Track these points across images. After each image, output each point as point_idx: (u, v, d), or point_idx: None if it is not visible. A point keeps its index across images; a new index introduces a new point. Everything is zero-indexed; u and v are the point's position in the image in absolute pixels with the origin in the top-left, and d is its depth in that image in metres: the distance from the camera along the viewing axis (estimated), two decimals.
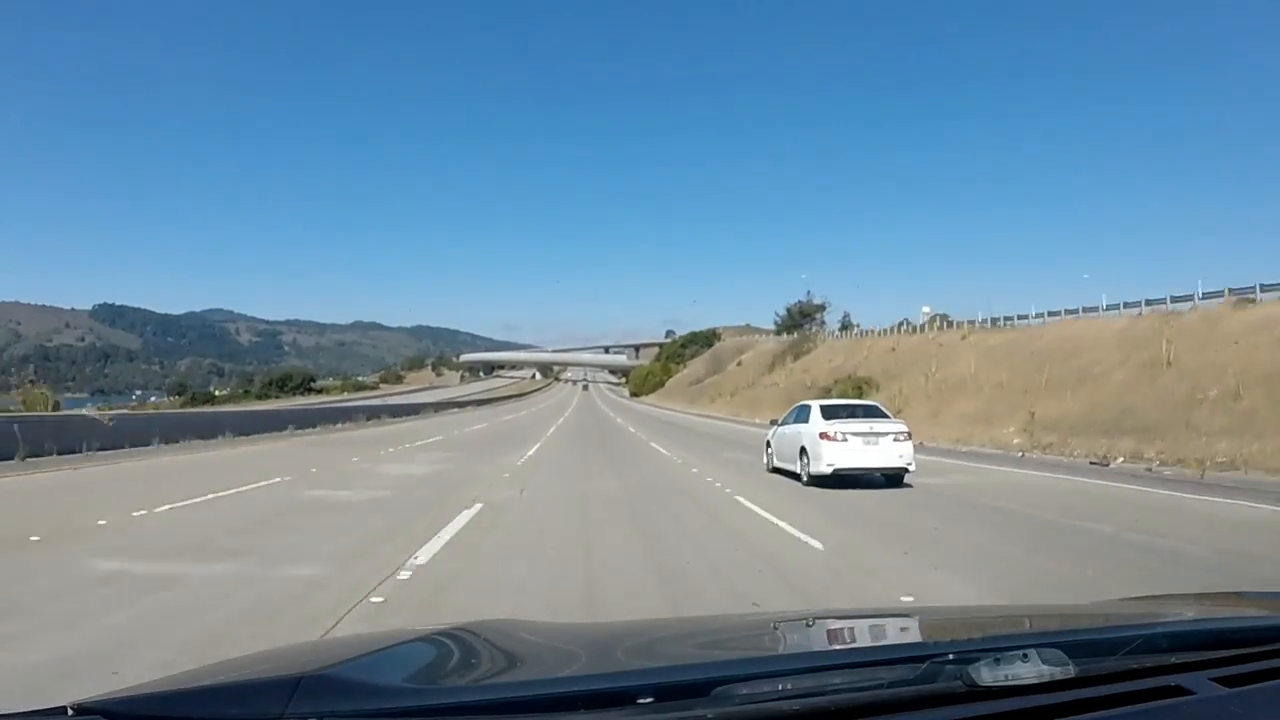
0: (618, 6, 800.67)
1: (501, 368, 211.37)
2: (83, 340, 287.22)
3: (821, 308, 73.50)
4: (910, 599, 5.87)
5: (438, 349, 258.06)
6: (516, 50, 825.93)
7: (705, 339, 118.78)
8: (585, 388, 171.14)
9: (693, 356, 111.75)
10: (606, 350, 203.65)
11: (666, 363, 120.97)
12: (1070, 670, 1.25)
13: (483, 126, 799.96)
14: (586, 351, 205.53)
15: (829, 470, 12.97)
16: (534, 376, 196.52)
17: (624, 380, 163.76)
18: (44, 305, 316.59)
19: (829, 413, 14.03)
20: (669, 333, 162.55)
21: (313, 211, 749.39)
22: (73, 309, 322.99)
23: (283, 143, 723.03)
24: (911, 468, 13.39)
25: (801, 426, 14.21)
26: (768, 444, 16.27)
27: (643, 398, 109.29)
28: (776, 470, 15.38)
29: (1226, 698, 1.28)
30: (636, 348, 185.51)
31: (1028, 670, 1.24)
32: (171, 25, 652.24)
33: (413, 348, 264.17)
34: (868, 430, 13.32)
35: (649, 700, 1.13)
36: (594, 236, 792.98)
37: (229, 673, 1.31)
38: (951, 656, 1.26)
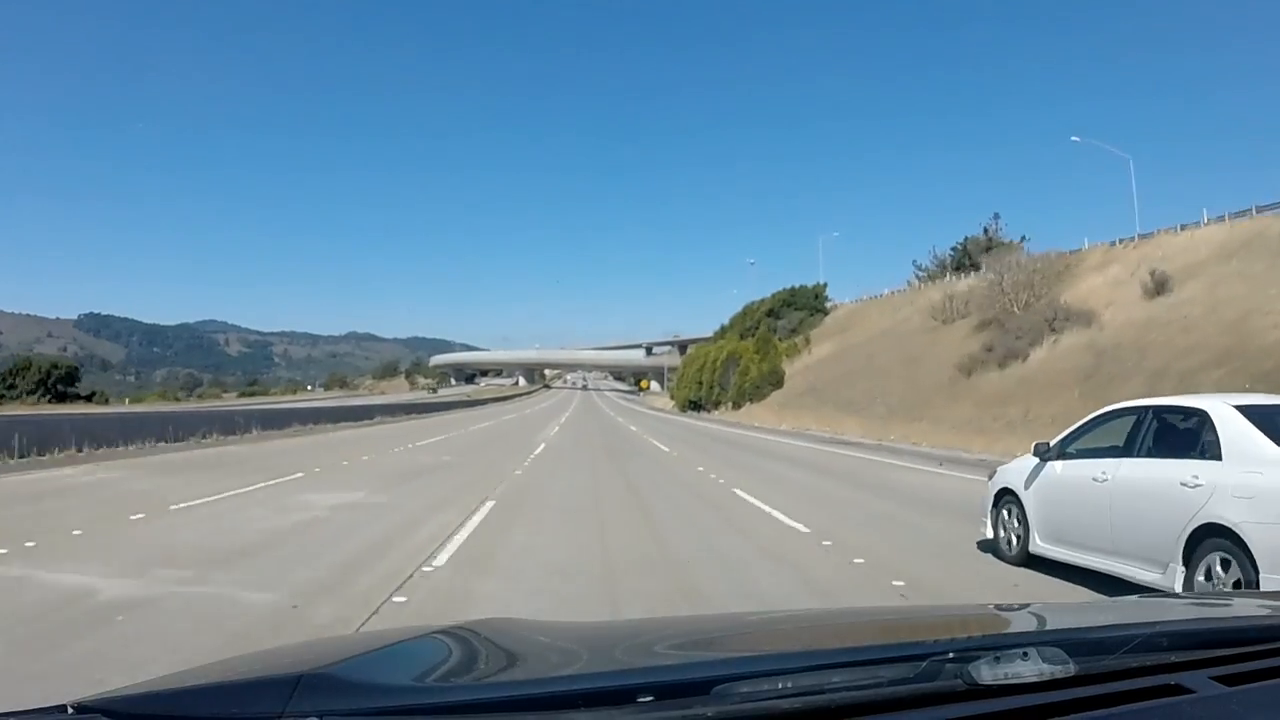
0: (610, 6, 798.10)
1: (485, 373, 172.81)
2: (64, 350, 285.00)
3: (1020, 243, 47.80)
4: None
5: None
6: (516, 57, 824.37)
7: (811, 299, 64.04)
8: (584, 387, 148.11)
9: (800, 329, 59.33)
10: (611, 350, 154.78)
11: (765, 339, 56.94)
12: (1070, 669, 1.26)
13: (480, 135, 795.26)
14: (586, 350, 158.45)
15: None
16: (517, 382, 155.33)
17: (638, 386, 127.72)
18: (27, 314, 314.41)
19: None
20: (676, 336, 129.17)
21: (309, 224, 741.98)
22: (57, 318, 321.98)
23: (281, 151, 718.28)
24: None
25: (1190, 467, 5.78)
26: (1003, 498, 7.82)
27: (720, 412, 55.12)
28: (1034, 559, 7.23)
29: (1226, 696, 1.28)
30: (648, 347, 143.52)
31: (1028, 669, 1.24)
32: (162, 28, 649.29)
33: (406, 359, 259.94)
34: None
35: (649, 699, 1.13)
36: (594, 246, 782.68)
37: (229, 671, 1.31)
38: (951, 655, 1.26)
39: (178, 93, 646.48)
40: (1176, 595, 4.78)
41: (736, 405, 53.01)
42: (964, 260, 50.98)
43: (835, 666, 1.28)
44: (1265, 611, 1.97)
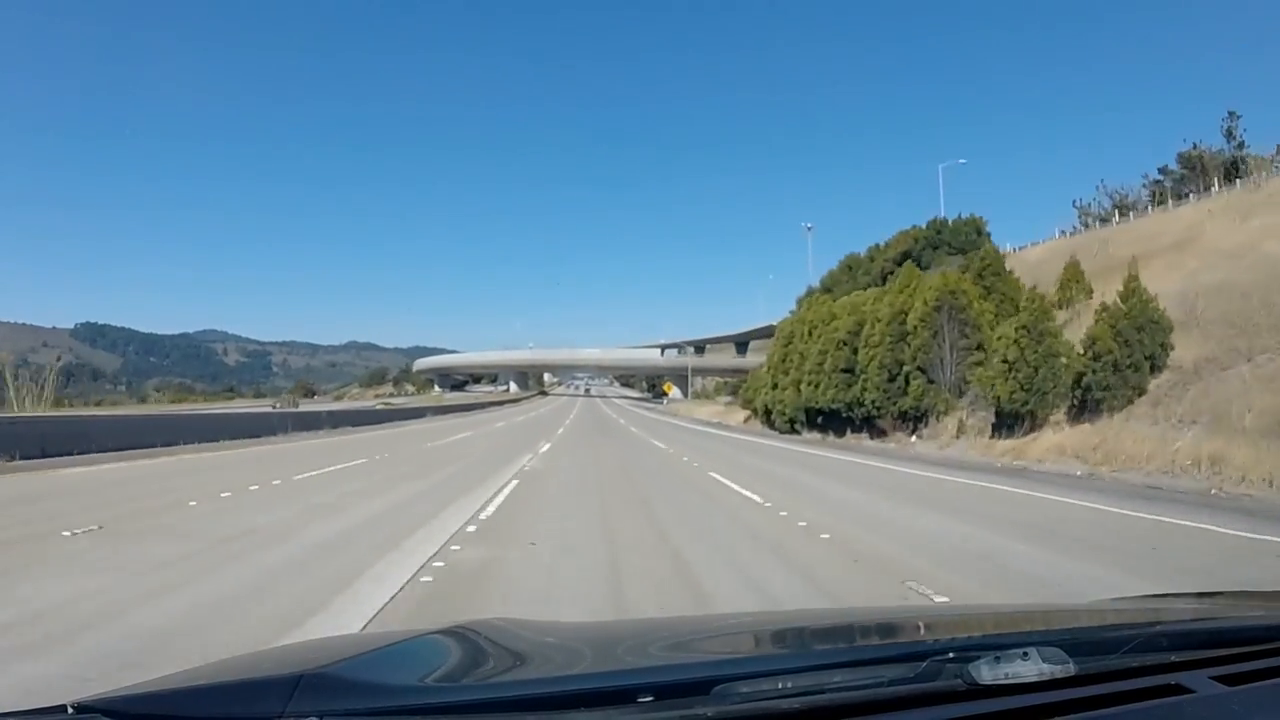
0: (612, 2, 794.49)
1: (478, 379, 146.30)
2: (59, 360, 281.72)
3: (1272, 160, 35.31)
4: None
5: None
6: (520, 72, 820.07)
7: (972, 235, 45.11)
8: (586, 391, 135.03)
9: (980, 270, 27.28)
10: (619, 350, 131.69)
11: (998, 274, 26.79)
12: (1070, 669, 1.26)
13: (482, 144, 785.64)
14: (589, 349, 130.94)
15: None
16: (508, 389, 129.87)
17: (651, 391, 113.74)
18: (23, 324, 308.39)
19: None
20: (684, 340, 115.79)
21: (310, 233, 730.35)
22: (53, 328, 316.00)
23: (283, 159, 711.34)
24: None
25: None
26: None
27: (949, 441, 22.56)
28: None
29: (1226, 696, 1.28)
30: (662, 347, 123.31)
31: (1028, 669, 1.24)
32: (160, 34, 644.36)
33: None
34: None
35: (650, 699, 1.13)
36: (596, 251, 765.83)
37: (230, 672, 1.31)
38: (952, 655, 1.27)
39: (176, 100, 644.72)
40: (1177, 595, 4.78)
41: (1024, 418, 21.10)
42: (1182, 172, 37.80)
43: (835, 666, 1.28)
44: (1265, 611, 1.96)
